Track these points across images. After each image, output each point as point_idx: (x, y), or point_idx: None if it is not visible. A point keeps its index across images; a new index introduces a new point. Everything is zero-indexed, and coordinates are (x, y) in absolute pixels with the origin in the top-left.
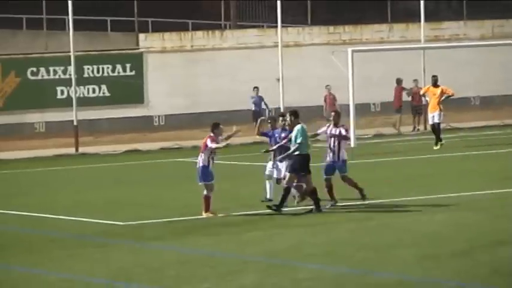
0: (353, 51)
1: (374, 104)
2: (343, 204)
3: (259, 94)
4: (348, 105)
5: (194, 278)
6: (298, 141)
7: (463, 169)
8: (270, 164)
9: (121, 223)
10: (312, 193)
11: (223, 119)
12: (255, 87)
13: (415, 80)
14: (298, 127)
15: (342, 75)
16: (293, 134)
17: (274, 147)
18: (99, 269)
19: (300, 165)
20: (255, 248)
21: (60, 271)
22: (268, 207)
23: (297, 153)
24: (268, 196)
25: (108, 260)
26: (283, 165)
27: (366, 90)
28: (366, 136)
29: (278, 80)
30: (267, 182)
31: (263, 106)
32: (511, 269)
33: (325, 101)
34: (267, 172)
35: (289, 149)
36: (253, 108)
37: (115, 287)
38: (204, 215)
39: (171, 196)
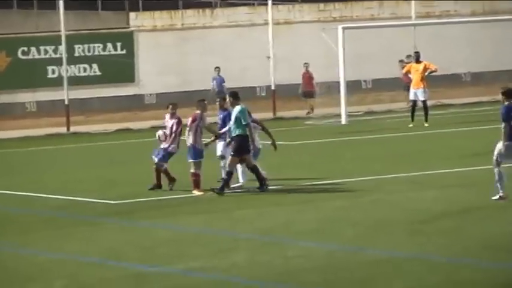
0: (343, 28)
1: (365, 81)
2: (333, 181)
3: (221, 74)
4: (339, 82)
5: (185, 256)
6: (244, 122)
7: (454, 145)
8: (220, 145)
9: (112, 202)
10: (254, 170)
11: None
12: (216, 67)
13: (408, 56)
14: (238, 108)
15: (333, 52)
16: (234, 115)
17: (223, 130)
18: (90, 248)
19: (244, 147)
20: (246, 225)
21: (50, 251)
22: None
23: (237, 133)
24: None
25: (99, 239)
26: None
27: (357, 67)
28: (357, 113)
29: (269, 57)
30: (222, 162)
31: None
32: (500, 244)
33: (302, 78)
34: (218, 153)
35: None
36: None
37: (106, 266)
38: (195, 192)
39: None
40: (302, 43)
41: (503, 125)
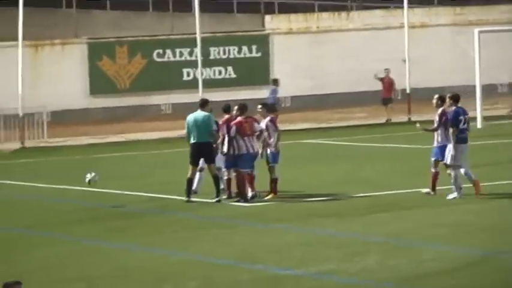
0: (479, 32)
1: (501, 84)
2: (467, 186)
3: (275, 86)
4: (475, 86)
5: (318, 259)
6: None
7: None
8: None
9: (245, 204)
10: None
11: (349, 100)
12: (274, 79)
13: None
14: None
15: (469, 56)
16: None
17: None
18: (223, 250)
19: (190, 156)
20: (379, 229)
21: (183, 252)
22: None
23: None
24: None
25: (232, 241)
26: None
27: (493, 71)
28: (493, 117)
29: (404, 61)
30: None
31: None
32: None
33: (382, 84)
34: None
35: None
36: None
37: (239, 268)
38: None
39: (293, 178)
40: (438, 46)
41: (451, 130)
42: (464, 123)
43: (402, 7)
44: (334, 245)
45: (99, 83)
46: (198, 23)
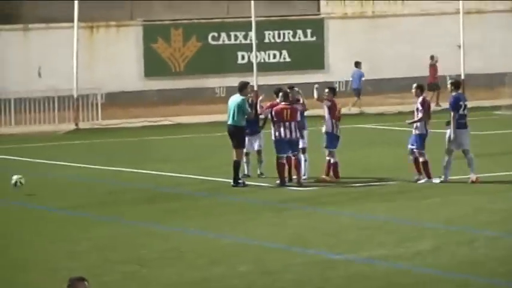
0: None
1: None
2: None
3: (361, 69)
4: None
5: (371, 243)
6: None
7: None
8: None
9: (300, 189)
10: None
11: (403, 85)
12: (356, 62)
13: None
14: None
15: None
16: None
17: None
18: (275, 234)
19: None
20: (432, 214)
21: (235, 235)
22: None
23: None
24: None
25: (285, 225)
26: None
27: None
28: None
29: (459, 46)
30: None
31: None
32: None
33: (430, 70)
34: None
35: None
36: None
37: (291, 252)
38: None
39: (347, 162)
40: (493, 32)
41: (452, 114)
42: (464, 109)
43: None
44: (387, 230)
45: (153, 66)
46: (253, 7)
